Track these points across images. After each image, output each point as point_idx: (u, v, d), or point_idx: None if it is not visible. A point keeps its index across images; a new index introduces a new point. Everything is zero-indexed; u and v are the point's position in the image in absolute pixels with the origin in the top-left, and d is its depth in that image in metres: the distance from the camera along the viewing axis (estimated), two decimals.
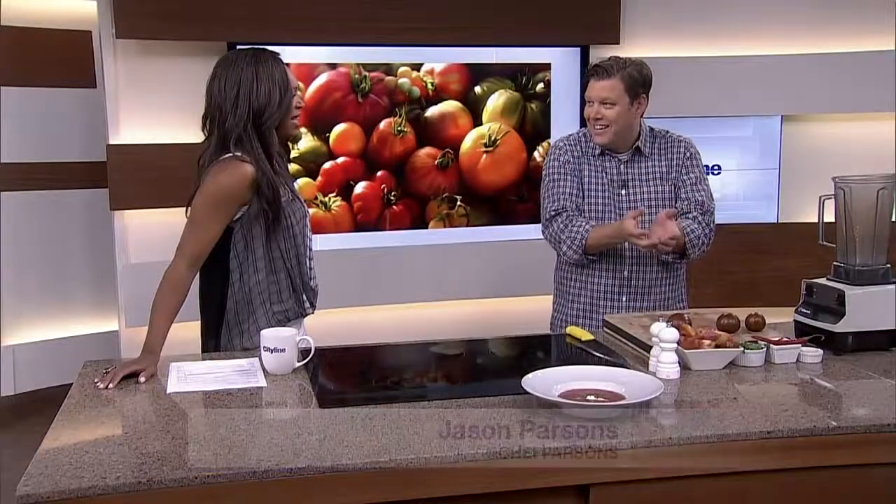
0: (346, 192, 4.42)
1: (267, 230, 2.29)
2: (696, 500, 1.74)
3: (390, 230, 4.51)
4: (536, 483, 1.65)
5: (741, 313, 2.36)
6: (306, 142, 4.31)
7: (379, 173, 4.45)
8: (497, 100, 4.57)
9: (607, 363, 2.13)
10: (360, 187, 4.44)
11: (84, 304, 4.52)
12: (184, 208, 2.32)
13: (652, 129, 2.79)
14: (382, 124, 4.43)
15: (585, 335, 2.40)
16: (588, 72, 2.72)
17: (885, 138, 4.41)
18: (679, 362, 2.05)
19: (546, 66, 4.61)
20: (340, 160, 4.39)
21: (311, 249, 2.44)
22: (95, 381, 2.02)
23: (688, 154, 2.77)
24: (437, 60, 4.47)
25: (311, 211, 3.74)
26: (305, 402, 1.93)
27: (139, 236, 4.18)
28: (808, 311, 2.31)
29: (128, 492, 1.50)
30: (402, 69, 4.43)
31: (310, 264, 2.43)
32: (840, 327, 2.21)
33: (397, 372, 2.32)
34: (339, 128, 4.37)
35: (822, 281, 2.32)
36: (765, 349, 2.14)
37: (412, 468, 1.59)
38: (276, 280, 2.35)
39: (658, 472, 1.69)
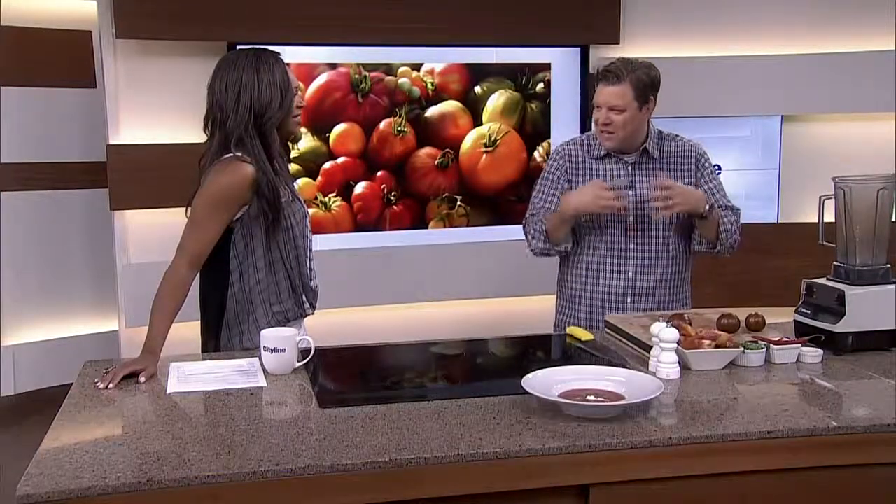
0: (346, 192, 4.42)
1: (267, 231, 2.29)
2: (696, 500, 1.74)
3: (390, 230, 4.51)
4: (536, 483, 1.65)
5: (741, 313, 2.36)
6: (306, 142, 4.31)
7: (379, 173, 4.45)
8: (497, 100, 4.57)
9: (607, 363, 2.13)
10: (360, 187, 4.44)
11: (84, 304, 4.52)
12: (184, 208, 2.32)
13: (661, 132, 2.79)
14: (382, 124, 4.43)
15: (585, 335, 2.40)
16: (597, 76, 2.70)
17: (885, 138, 4.41)
18: (679, 362, 2.05)
19: (546, 66, 4.61)
20: (340, 160, 4.39)
21: (311, 250, 2.44)
22: (95, 381, 2.02)
23: (702, 160, 2.79)
24: (437, 60, 4.47)
25: (311, 211, 3.74)
26: (305, 402, 1.93)
27: (139, 236, 4.18)
28: (808, 311, 2.31)
29: (128, 492, 1.50)
30: (402, 69, 4.43)
31: (310, 265, 2.43)
32: (840, 327, 2.21)
33: (397, 372, 2.32)
34: (339, 128, 4.37)
35: (822, 281, 2.32)
36: (765, 349, 2.14)
37: (412, 468, 1.59)
38: (275, 280, 2.35)
39: (658, 472, 1.69)
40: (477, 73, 4.53)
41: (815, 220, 2.39)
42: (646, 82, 2.64)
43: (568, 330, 2.50)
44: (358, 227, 4.46)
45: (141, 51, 4.11)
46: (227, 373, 2.09)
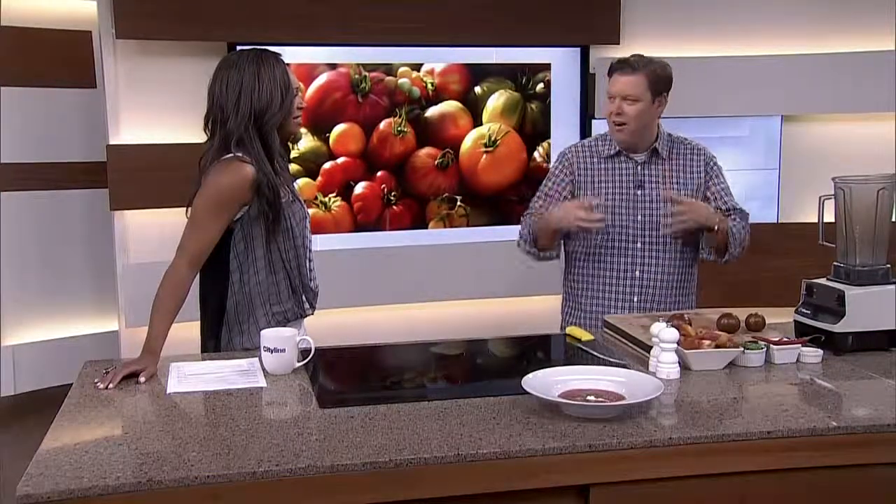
0: (346, 193, 4.42)
1: (267, 231, 2.29)
2: (696, 500, 1.74)
3: (390, 230, 4.51)
4: (536, 483, 1.65)
5: (741, 313, 2.36)
6: (306, 142, 4.32)
7: (379, 173, 4.46)
8: (497, 100, 4.57)
9: (607, 363, 2.13)
10: (360, 187, 4.44)
11: (84, 304, 4.52)
12: (184, 208, 2.32)
13: (670, 135, 2.80)
14: (382, 124, 4.43)
15: (585, 335, 2.40)
16: (611, 67, 2.70)
17: (885, 138, 4.41)
18: (679, 362, 2.05)
19: (546, 67, 4.61)
20: (340, 160, 4.39)
21: (310, 251, 2.44)
22: (95, 381, 2.02)
23: (711, 163, 2.80)
24: (437, 60, 4.47)
25: (311, 211, 3.74)
26: (305, 402, 1.93)
27: (139, 236, 4.18)
28: (808, 312, 2.31)
29: (128, 492, 1.50)
30: (402, 69, 4.43)
31: (310, 265, 2.43)
32: (840, 327, 2.21)
33: (397, 372, 2.32)
34: (339, 128, 4.37)
35: (822, 281, 2.32)
36: (765, 349, 2.14)
37: (412, 468, 1.59)
38: (275, 281, 2.34)
39: (658, 472, 1.69)
40: (477, 73, 4.53)
41: (815, 220, 2.39)
42: (661, 76, 2.66)
43: (568, 330, 2.49)
44: (358, 228, 4.46)
45: (141, 51, 4.11)
46: (226, 373, 2.09)
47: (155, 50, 4.11)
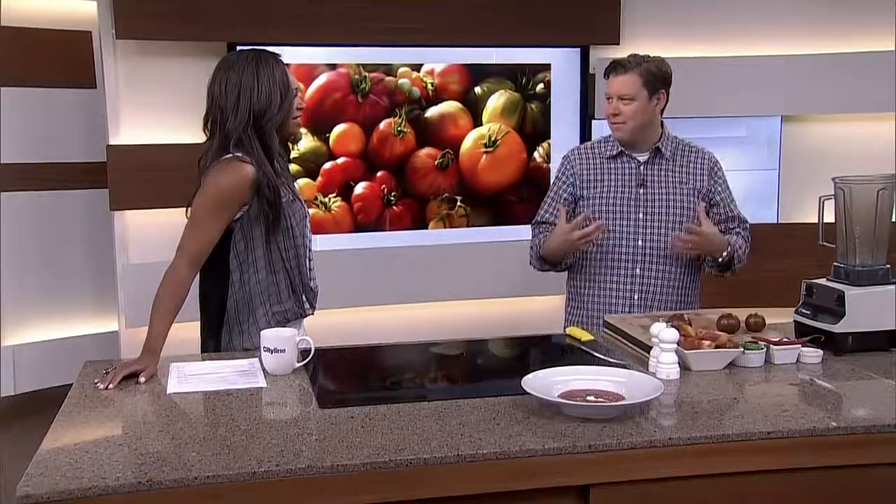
0: (346, 193, 4.42)
1: (267, 231, 2.29)
2: (696, 500, 1.74)
3: (390, 230, 4.51)
4: (536, 483, 1.65)
5: (741, 313, 2.36)
6: (306, 142, 4.31)
7: (379, 174, 4.45)
8: (497, 100, 4.57)
9: (607, 363, 2.13)
10: (360, 188, 4.44)
11: (84, 304, 4.52)
12: (184, 208, 2.32)
13: (676, 138, 2.80)
14: (382, 124, 4.43)
15: (585, 335, 2.40)
16: (606, 69, 2.73)
17: (885, 138, 4.41)
18: (679, 363, 2.05)
19: (546, 67, 4.61)
20: (340, 160, 4.39)
21: (310, 250, 2.44)
22: (95, 381, 2.02)
23: (715, 169, 2.80)
24: (436, 61, 4.47)
25: (311, 211, 3.74)
26: (305, 402, 1.93)
27: (139, 236, 4.18)
28: (808, 312, 2.31)
29: (128, 492, 1.50)
30: (402, 69, 4.43)
31: (310, 265, 2.43)
32: (840, 328, 2.21)
33: (397, 372, 2.32)
34: (339, 128, 4.37)
35: (822, 281, 2.32)
36: (765, 350, 2.14)
37: (412, 468, 1.59)
38: (275, 281, 2.34)
39: (658, 472, 1.69)
40: (477, 73, 4.53)
41: (815, 220, 2.39)
42: (655, 73, 2.66)
43: (568, 330, 2.49)
44: (358, 228, 4.46)
45: (141, 51, 4.11)
46: (227, 373, 2.09)
47: (155, 50, 4.11)
